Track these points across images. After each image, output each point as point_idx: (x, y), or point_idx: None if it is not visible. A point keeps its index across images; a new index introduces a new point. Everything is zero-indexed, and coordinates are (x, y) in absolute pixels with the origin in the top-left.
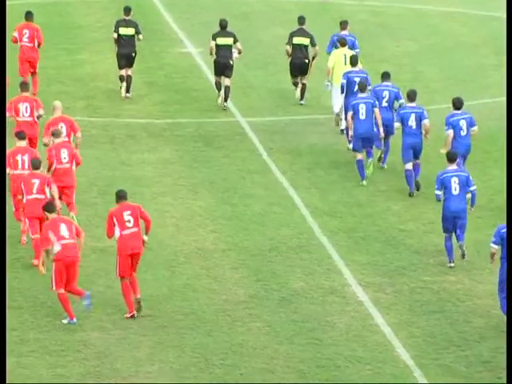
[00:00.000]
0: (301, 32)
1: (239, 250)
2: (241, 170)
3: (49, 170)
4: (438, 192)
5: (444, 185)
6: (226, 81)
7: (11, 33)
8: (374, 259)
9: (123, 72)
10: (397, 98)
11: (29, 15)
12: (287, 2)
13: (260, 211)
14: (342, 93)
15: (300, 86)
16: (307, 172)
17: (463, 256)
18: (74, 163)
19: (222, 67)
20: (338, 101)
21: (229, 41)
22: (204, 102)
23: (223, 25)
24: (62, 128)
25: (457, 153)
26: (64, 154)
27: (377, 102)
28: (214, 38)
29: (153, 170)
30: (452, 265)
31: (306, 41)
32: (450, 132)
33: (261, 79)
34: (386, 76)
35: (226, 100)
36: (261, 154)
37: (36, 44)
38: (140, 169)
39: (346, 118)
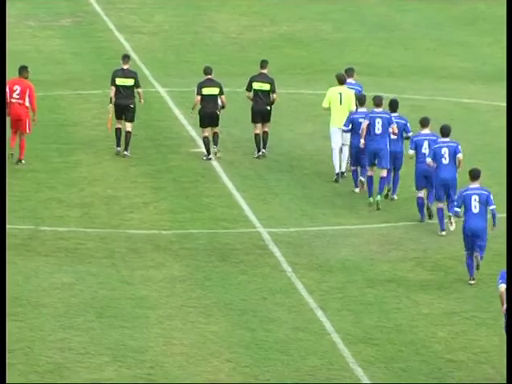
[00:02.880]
0: (262, 77)
1: None
2: (261, 289)
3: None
4: (457, 209)
5: (464, 202)
6: (213, 130)
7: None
8: None
9: (119, 124)
10: (405, 130)
11: (23, 70)
12: (313, 94)
13: (283, 337)
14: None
15: (261, 134)
16: (338, 292)
17: (477, 267)
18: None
19: (209, 118)
20: (337, 139)
21: (215, 91)
22: (218, 210)
23: (208, 72)
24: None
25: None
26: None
27: (393, 119)
28: (200, 88)
29: (159, 290)
30: (472, 282)
31: (266, 86)
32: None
33: (284, 184)
34: (393, 106)
35: (215, 144)
36: (284, 270)
37: (27, 102)
38: (144, 288)
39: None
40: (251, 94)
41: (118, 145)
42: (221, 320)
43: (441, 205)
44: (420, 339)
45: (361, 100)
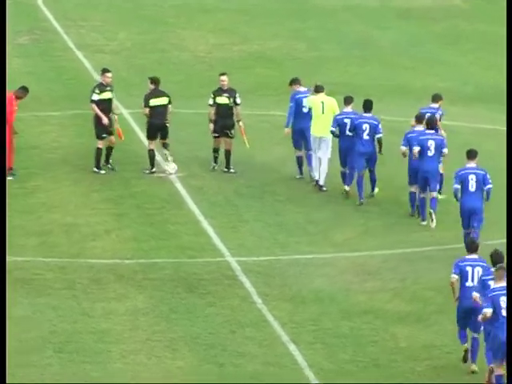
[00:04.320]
0: (223, 90)
1: None
2: (230, 321)
3: None
4: (456, 186)
5: (461, 181)
6: (163, 142)
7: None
8: None
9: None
10: (375, 131)
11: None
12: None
13: (253, 373)
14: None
15: (224, 151)
16: (312, 324)
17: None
18: None
19: (159, 129)
20: (315, 146)
21: (164, 100)
22: (184, 238)
23: (155, 82)
24: None
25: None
26: None
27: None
28: (148, 99)
29: (122, 323)
30: None
31: (229, 100)
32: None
33: (255, 210)
34: (366, 106)
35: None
36: (255, 301)
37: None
38: (106, 321)
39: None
40: (213, 109)
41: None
42: (187, 355)
43: (422, 194)
44: (398, 374)
45: (347, 99)
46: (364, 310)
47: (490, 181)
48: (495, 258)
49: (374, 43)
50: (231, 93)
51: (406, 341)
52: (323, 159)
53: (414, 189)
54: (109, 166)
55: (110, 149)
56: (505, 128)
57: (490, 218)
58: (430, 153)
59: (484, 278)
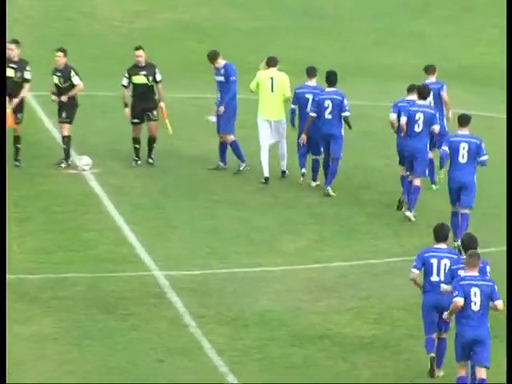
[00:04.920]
0: (140, 67)
1: None
2: (157, 349)
3: None
4: (444, 148)
5: (451, 150)
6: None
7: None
8: None
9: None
10: (340, 108)
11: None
12: None
13: None
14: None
15: (147, 138)
16: (256, 352)
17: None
18: None
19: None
20: (265, 134)
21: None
22: (102, 248)
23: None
24: None
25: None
26: None
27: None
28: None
29: (25, 351)
30: (457, 243)
31: (147, 79)
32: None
33: (187, 214)
34: (330, 79)
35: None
36: (187, 324)
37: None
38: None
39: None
40: (129, 91)
41: None
42: None
43: (410, 177)
44: None
45: (310, 71)
46: (319, 335)
47: (485, 151)
48: (468, 243)
49: (330, 12)
50: (149, 69)
51: (369, 371)
52: (281, 142)
53: (404, 172)
54: (16, 162)
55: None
56: (491, 114)
57: (488, 222)
58: (418, 128)
59: (454, 267)
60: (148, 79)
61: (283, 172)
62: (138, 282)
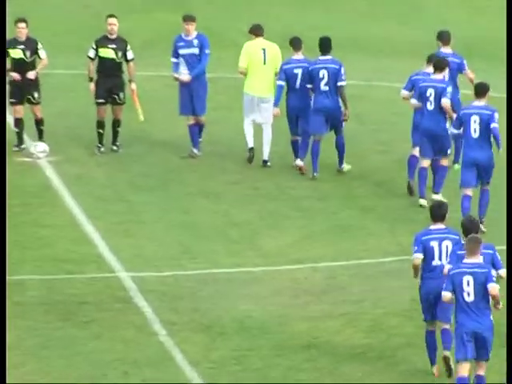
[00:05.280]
0: (111, 40)
1: None
2: (123, 360)
3: None
4: (454, 131)
5: (462, 123)
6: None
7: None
8: None
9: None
10: (337, 78)
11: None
12: None
13: None
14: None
15: (112, 122)
16: (235, 363)
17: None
18: None
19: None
20: (251, 111)
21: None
22: (60, 246)
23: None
24: None
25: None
26: None
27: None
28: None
29: None
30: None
31: (116, 54)
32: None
33: (156, 208)
34: (324, 47)
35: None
36: (156, 332)
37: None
38: None
39: None
40: (94, 64)
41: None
42: None
43: (425, 164)
44: None
45: (295, 43)
46: (305, 344)
47: (497, 120)
48: (468, 227)
49: None
50: (120, 44)
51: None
52: (265, 126)
53: (416, 152)
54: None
55: None
56: (492, 94)
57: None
58: (430, 106)
59: (460, 252)
60: (117, 54)
61: (265, 162)
62: (101, 285)
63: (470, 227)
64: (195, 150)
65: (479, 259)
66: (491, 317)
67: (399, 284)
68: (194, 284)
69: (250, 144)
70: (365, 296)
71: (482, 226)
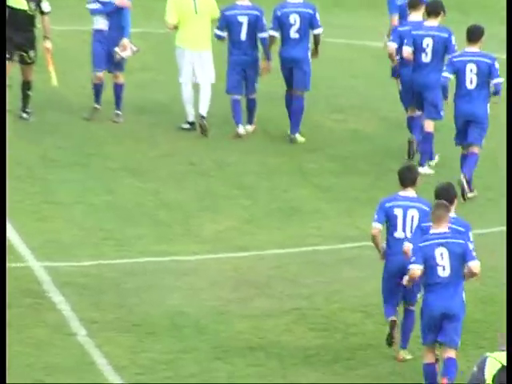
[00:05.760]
0: None
1: None
2: (34, 365)
3: None
4: (447, 75)
5: (455, 72)
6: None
7: None
8: None
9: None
10: (311, 23)
11: None
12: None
13: None
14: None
15: (21, 84)
16: (165, 368)
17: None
18: None
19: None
20: (188, 69)
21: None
22: None
23: None
24: None
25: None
26: None
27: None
28: None
29: None
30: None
31: (28, 5)
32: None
33: (73, 186)
34: None
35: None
36: (75, 332)
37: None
38: None
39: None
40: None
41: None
42: None
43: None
44: None
45: None
46: (249, 346)
47: (498, 72)
48: (440, 193)
49: None
50: None
51: None
52: (204, 85)
53: (411, 112)
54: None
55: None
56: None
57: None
58: (426, 58)
59: (425, 224)
60: (29, 5)
61: (202, 117)
62: (10, 277)
63: (441, 193)
64: (119, 112)
65: (446, 228)
66: (463, 296)
67: (358, 275)
68: (118, 275)
69: (190, 118)
70: (318, 289)
71: (468, 192)
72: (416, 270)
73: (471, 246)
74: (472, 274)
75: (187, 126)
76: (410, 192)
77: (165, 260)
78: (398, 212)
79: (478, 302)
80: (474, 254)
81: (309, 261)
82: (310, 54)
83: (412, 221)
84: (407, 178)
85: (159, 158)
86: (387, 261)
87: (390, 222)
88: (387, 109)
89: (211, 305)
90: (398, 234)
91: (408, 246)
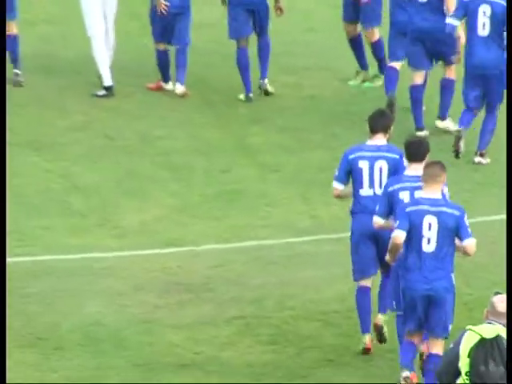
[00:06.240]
0: None
1: None
2: None
3: None
4: (455, 21)
5: (467, 14)
6: None
7: None
8: None
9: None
10: None
11: None
12: None
13: None
14: None
15: None
16: None
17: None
18: None
19: None
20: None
21: None
22: None
23: None
24: None
25: None
26: None
27: None
28: None
29: None
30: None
31: None
32: None
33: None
34: None
35: None
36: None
37: None
38: None
39: None
40: None
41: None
42: None
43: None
44: None
45: None
46: (181, 363)
47: None
48: (410, 149)
49: None
50: None
51: None
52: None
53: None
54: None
55: None
56: None
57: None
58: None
59: (395, 177)
60: None
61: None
62: None
63: (411, 149)
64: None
65: (439, 194)
66: (453, 276)
67: (315, 274)
68: (20, 276)
69: (108, 82)
70: (266, 292)
71: (481, 159)
72: (400, 235)
73: (467, 222)
74: (465, 254)
75: (103, 92)
76: (379, 139)
77: (77, 258)
78: (364, 164)
79: (464, 308)
80: (470, 230)
81: (255, 258)
82: None
83: (380, 175)
84: (377, 123)
85: (70, 130)
86: (353, 223)
87: (354, 178)
88: (350, 70)
89: (134, 312)
90: (365, 191)
91: (382, 222)
